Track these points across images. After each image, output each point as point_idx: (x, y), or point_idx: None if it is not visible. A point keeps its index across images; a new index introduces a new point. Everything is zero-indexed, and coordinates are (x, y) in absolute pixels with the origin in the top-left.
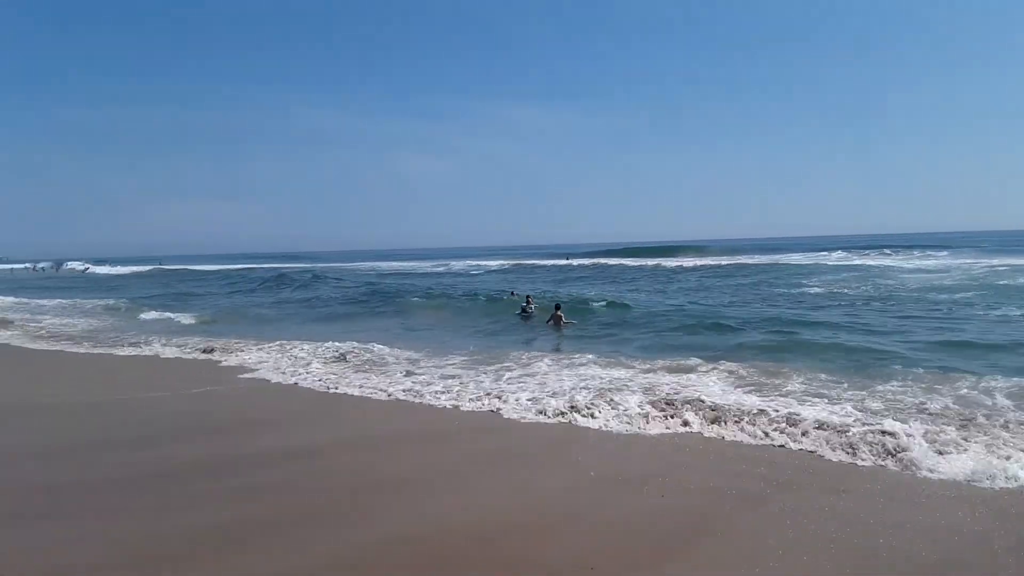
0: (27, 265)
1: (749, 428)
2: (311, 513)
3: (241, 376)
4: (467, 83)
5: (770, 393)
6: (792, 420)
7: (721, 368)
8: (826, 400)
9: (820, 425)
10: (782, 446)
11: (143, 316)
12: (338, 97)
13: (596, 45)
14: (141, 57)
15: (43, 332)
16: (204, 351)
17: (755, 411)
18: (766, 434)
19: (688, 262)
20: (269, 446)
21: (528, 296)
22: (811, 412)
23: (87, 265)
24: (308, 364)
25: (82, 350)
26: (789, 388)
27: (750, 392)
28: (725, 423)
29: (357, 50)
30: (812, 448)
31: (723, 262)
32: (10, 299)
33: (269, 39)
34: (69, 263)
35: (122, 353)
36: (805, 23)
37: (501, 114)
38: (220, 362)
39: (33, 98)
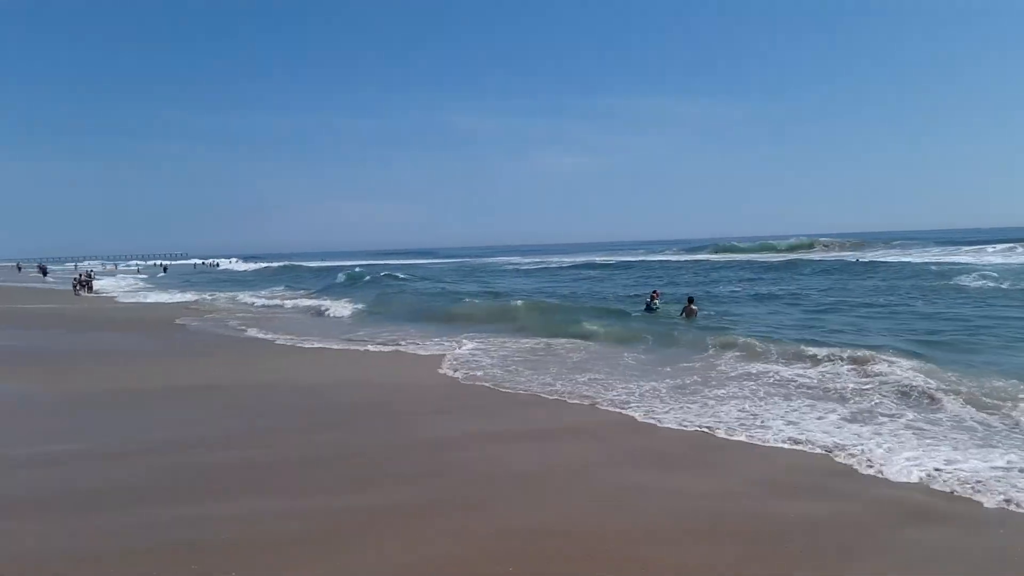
0: (197, 261)
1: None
2: (457, 501)
3: (410, 368)
4: (604, 78)
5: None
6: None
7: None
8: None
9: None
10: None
11: (331, 313)
12: (484, 99)
13: (739, 35)
14: (297, 66)
15: (236, 321)
16: (383, 344)
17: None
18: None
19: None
20: (429, 435)
21: (655, 291)
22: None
23: (216, 261)
24: (475, 360)
25: (267, 337)
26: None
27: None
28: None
29: (505, 51)
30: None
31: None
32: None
33: (423, 43)
34: (206, 260)
35: (308, 345)
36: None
37: (639, 108)
38: (384, 353)
39: (193, 104)
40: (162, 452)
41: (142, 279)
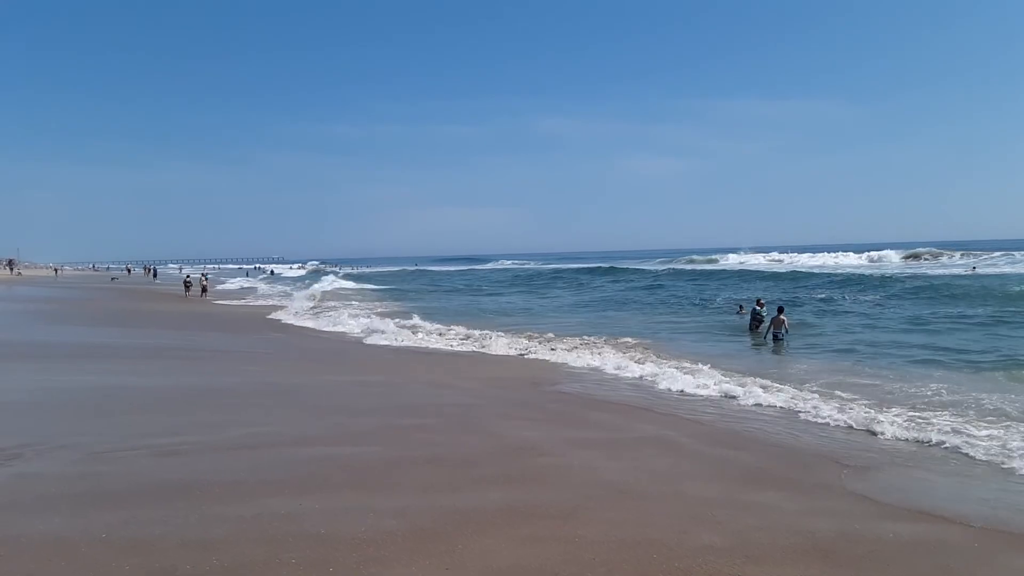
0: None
1: None
2: (551, 507)
3: (495, 370)
4: (698, 82)
5: None
6: None
7: None
8: None
9: None
10: None
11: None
12: (574, 104)
13: (841, 32)
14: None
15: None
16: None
17: None
18: None
19: None
20: (519, 438)
21: (759, 300)
22: None
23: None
24: (559, 366)
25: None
26: None
27: None
28: None
29: (595, 58)
30: None
31: None
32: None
33: (512, 50)
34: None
35: (394, 345)
36: None
37: (736, 111)
38: (469, 354)
39: (310, 118)
40: (273, 445)
41: (256, 282)
